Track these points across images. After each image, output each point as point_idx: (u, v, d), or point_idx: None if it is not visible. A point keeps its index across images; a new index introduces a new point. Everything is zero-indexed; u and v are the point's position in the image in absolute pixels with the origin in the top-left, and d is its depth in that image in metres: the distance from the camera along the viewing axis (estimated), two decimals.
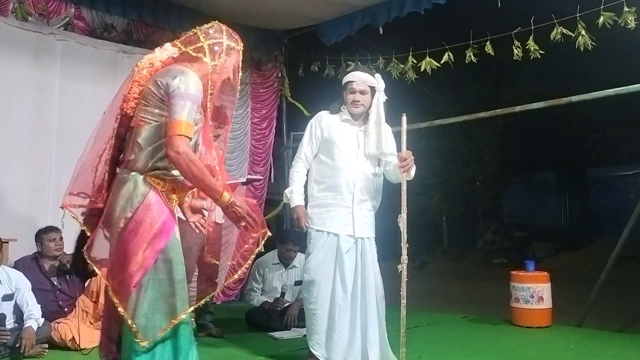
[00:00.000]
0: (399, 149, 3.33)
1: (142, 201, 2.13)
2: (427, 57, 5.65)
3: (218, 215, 4.31)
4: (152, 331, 2.09)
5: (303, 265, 3.64)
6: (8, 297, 3.77)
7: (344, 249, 3.32)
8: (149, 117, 2.19)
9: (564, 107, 5.56)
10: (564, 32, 4.90)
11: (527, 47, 5.12)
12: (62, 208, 2.21)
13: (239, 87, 6.87)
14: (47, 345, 3.73)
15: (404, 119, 3.27)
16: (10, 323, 3.73)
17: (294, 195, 3.45)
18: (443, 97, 15.23)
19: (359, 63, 6.22)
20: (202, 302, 2.52)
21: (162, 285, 2.12)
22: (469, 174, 16.07)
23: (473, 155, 15.82)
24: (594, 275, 5.05)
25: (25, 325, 3.70)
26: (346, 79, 3.49)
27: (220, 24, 2.36)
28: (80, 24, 5.29)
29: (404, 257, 3.13)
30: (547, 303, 4.74)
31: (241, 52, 2.41)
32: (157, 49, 2.33)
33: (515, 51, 5.18)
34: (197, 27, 2.33)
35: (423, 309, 5.84)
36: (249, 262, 2.51)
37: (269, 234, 2.40)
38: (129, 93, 2.23)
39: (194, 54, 2.26)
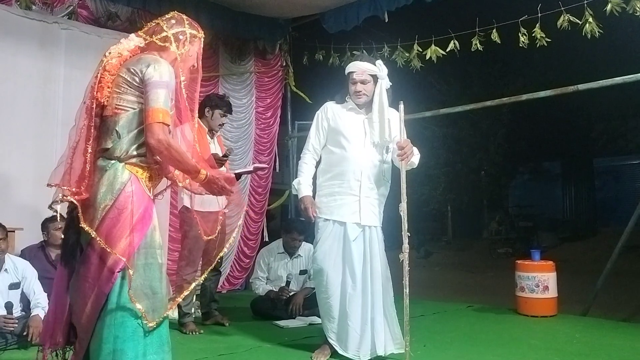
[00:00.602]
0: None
1: (123, 189, 2.18)
2: (433, 45, 5.61)
3: (222, 205, 4.33)
4: (157, 312, 2.16)
5: (312, 254, 3.64)
6: (15, 286, 3.80)
7: (351, 237, 3.32)
8: (125, 104, 2.24)
9: (570, 95, 5.51)
10: (571, 19, 4.86)
11: (533, 35, 5.08)
12: (63, 196, 2.23)
13: (244, 76, 6.80)
14: None
15: (402, 106, 3.26)
16: (17, 311, 3.76)
17: (301, 186, 3.45)
18: (448, 86, 15.18)
19: (364, 51, 6.18)
20: (202, 279, 2.68)
21: (147, 269, 2.17)
22: (474, 163, 16.04)
23: (478, 145, 15.78)
24: (599, 265, 5.05)
25: (33, 314, 3.72)
26: (347, 69, 3.48)
27: (180, 14, 2.44)
28: (84, 13, 5.28)
29: (405, 246, 3.13)
30: (553, 292, 4.73)
31: (202, 40, 2.47)
32: (122, 40, 2.40)
33: (522, 39, 5.14)
34: (159, 18, 2.41)
35: (428, 298, 5.85)
36: (235, 233, 2.63)
37: (245, 208, 2.54)
38: (100, 82, 2.27)
39: (160, 43, 2.34)
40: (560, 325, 4.38)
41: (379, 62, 3.40)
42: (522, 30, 5.12)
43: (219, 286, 5.06)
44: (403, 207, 3.16)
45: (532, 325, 4.42)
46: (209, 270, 3.24)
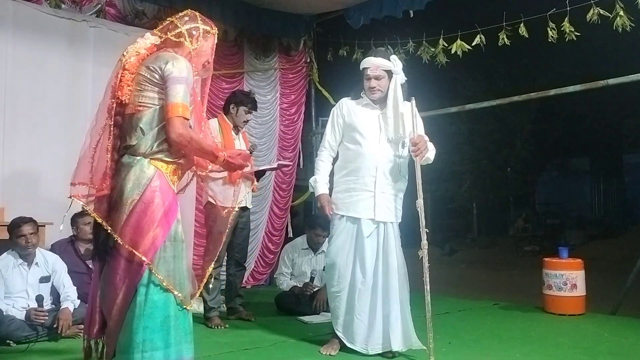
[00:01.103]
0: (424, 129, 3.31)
1: (148, 184, 2.25)
2: (459, 39, 5.54)
3: (247, 200, 4.37)
4: (186, 301, 2.27)
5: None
6: (45, 279, 3.89)
7: (365, 234, 3.34)
8: (146, 101, 2.31)
9: (599, 90, 5.40)
10: (601, 12, 4.75)
11: (562, 29, 4.99)
12: (70, 198, 2.32)
13: (269, 72, 6.84)
14: (83, 326, 3.80)
15: (414, 102, 3.29)
16: (47, 304, 3.85)
17: (318, 184, 3.49)
18: (474, 81, 15.00)
19: (388, 47, 6.14)
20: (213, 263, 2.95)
21: (174, 261, 2.25)
22: (500, 160, 15.84)
23: (505, 141, 15.58)
24: (629, 264, 4.94)
25: (62, 307, 3.80)
26: (362, 65, 3.49)
27: (193, 11, 2.51)
28: (112, 11, 5.35)
29: (424, 242, 3.15)
30: (581, 290, 4.66)
31: (216, 36, 2.54)
32: (139, 39, 2.48)
33: (550, 33, 5.05)
34: (173, 16, 2.49)
35: (453, 295, 5.81)
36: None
37: (256, 183, 3.17)
38: (120, 81, 2.35)
39: (175, 39, 2.42)
40: (589, 324, 4.30)
41: (394, 57, 3.39)
42: (551, 24, 5.03)
43: (243, 281, 5.09)
44: (420, 203, 3.20)
45: (559, 324, 4.35)
46: (215, 257, 3.36)
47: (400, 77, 3.35)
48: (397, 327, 3.30)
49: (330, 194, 3.49)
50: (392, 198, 3.40)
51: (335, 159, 3.58)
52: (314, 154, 7.03)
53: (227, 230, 2.82)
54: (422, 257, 3.13)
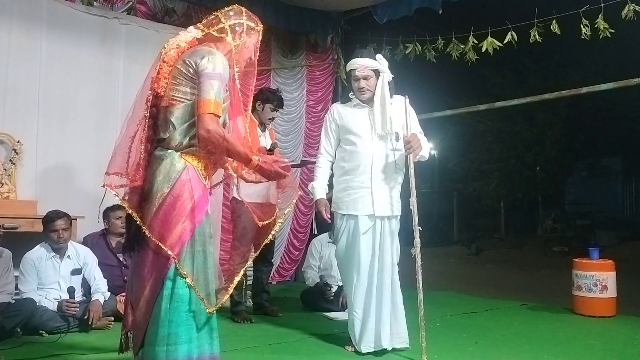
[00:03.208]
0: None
1: (178, 177, 2.24)
2: (489, 37, 5.47)
3: (273, 197, 4.39)
4: (211, 299, 2.23)
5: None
6: (77, 271, 3.97)
7: (362, 230, 3.38)
8: (180, 95, 2.29)
9: (633, 88, 5.27)
10: (637, 9, 4.64)
11: (596, 26, 4.89)
12: (104, 187, 2.32)
13: (296, 70, 6.82)
14: (112, 318, 3.90)
15: (407, 100, 3.37)
16: (78, 296, 3.93)
17: (315, 189, 3.55)
18: (503, 78, 14.80)
19: (417, 44, 6.11)
20: (248, 263, 2.88)
21: (201, 256, 2.24)
22: (529, 159, 15.60)
23: (534, 140, 15.35)
24: None
25: (93, 299, 3.88)
26: (348, 67, 3.54)
27: (239, 6, 2.46)
28: (143, 9, 5.43)
29: (417, 240, 3.19)
30: (612, 292, 4.57)
31: (261, 32, 2.50)
32: (181, 32, 2.46)
33: (583, 30, 4.95)
34: (218, 11, 2.44)
35: (480, 295, 5.75)
36: (286, 212, 2.78)
37: (300, 192, 2.71)
38: (158, 73, 2.33)
39: (217, 35, 2.38)
40: (619, 326, 4.22)
41: (379, 55, 3.46)
42: (584, 21, 4.93)
43: (269, 277, 5.12)
44: (413, 201, 3.25)
45: (589, 325, 4.28)
46: (253, 257, 3.30)
47: (387, 75, 3.40)
48: (387, 324, 3.33)
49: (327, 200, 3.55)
50: (390, 192, 3.44)
51: (333, 163, 3.64)
52: None
53: (272, 232, 2.70)
54: (414, 255, 3.19)
